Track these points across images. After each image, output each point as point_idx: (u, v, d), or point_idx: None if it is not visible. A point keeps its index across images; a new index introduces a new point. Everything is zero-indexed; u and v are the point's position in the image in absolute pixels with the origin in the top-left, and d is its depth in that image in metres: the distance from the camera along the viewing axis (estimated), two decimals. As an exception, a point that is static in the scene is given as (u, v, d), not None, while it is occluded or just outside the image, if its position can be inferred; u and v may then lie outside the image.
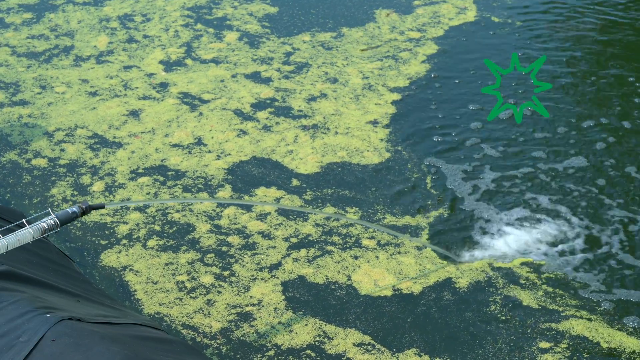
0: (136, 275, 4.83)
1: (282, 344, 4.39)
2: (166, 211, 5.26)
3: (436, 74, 6.29)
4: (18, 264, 3.43)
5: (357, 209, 5.23)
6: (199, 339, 4.41)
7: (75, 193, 5.43)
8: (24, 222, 3.25)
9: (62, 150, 5.81)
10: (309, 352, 4.34)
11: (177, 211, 5.25)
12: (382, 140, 5.83)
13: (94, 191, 5.44)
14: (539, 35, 7.10)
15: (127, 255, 4.97)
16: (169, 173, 5.55)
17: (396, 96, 6.29)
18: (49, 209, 3.39)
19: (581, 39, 7.01)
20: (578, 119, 6.02)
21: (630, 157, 5.61)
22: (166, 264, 4.90)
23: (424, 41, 6.98)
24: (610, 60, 6.69)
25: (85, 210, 3.37)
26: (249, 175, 5.51)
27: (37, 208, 5.28)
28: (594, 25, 7.16)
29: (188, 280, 4.78)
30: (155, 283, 4.78)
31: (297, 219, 5.17)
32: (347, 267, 4.82)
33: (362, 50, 6.73)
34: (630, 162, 5.56)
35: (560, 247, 4.92)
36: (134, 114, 6.14)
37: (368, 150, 5.72)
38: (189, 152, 5.73)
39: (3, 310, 3.10)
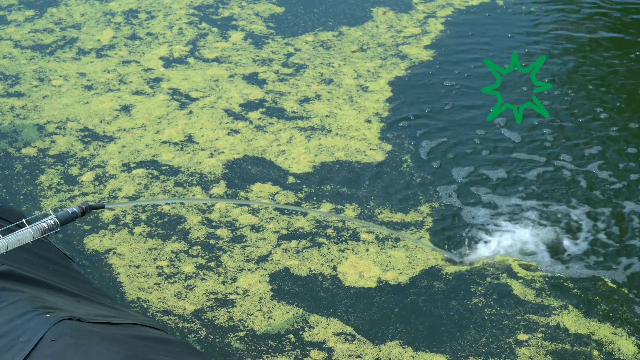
0: (120, 258, 4.69)
1: (259, 330, 4.26)
2: (157, 204, 5.06)
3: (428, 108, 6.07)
4: (18, 264, 3.28)
5: (355, 205, 5.06)
6: (180, 324, 4.28)
7: (62, 182, 5.25)
8: (24, 222, 3.09)
9: (53, 142, 5.59)
10: (290, 337, 4.22)
11: (167, 204, 5.06)
12: (377, 137, 5.64)
13: (82, 181, 5.24)
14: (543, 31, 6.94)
15: (111, 239, 4.83)
16: (163, 168, 5.35)
17: (392, 94, 6.09)
18: (49, 209, 3.21)
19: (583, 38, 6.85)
20: (577, 118, 5.86)
21: (628, 157, 5.46)
22: (149, 249, 4.76)
23: (420, 38, 6.76)
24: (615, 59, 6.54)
25: (86, 211, 3.21)
26: (244, 171, 5.32)
27: (27, 198, 5.11)
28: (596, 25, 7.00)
29: (174, 267, 4.63)
30: (138, 267, 4.64)
31: (292, 213, 5.00)
32: (335, 259, 4.68)
33: (353, 51, 6.52)
34: (628, 162, 5.41)
35: (552, 244, 4.79)
36: (126, 109, 5.91)
37: (370, 148, 5.52)
38: (181, 149, 5.53)
39: (3, 310, 2.99)
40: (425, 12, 7.13)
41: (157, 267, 4.64)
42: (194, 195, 5.14)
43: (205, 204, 5.07)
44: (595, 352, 4.12)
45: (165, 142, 5.60)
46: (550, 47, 6.70)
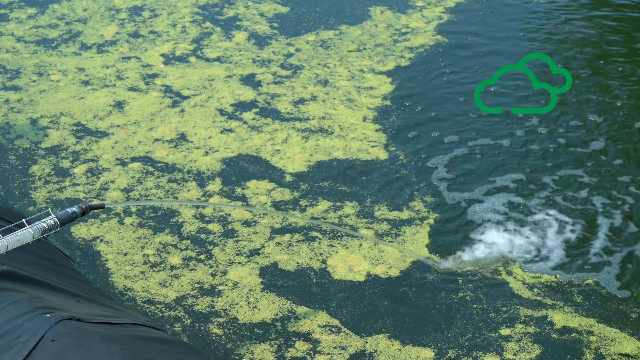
0: (108, 245, 4.59)
1: (244, 319, 4.16)
2: (149, 198, 4.91)
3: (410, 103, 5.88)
4: (18, 264, 3.15)
5: (354, 203, 4.91)
6: (166, 313, 4.19)
7: (53, 173, 5.12)
8: (24, 222, 2.96)
9: (46, 135, 5.43)
10: (276, 327, 4.13)
11: (159, 198, 4.91)
12: (374, 136, 5.46)
13: (74, 173, 5.11)
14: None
15: (99, 227, 4.71)
16: (158, 165, 5.19)
17: (390, 91, 5.90)
18: (49, 209, 3.08)
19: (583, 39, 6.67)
20: (574, 123, 5.67)
21: (621, 159, 5.30)
22: (138, 238, 4.65)
23: (417, 36, 6.58)
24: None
25: (85, 210, 3.09)
26: (241, 169, 5.16)
27: (21, 193, 4.97)
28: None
29: (160, 256, 4.52)
30: (125, 254, 4.54)
31: (288, 209, 4.86)
32: (325, 253, 4.55)
33: (350, 51, 6.33)
34: (620, 164, 5.25)
35: (544, 244, 4.66)
36: (120, 105, 5.73)
37: (368, 146, 5.35)
38: (175, 146, 5.36)
39: (3, 310, 2.87)
40: (424, 8, 6.94)
41: (144, 255, 4.53)
42: (188, 190, 5.00)
43: (198, 199, 4.93)
44: (584, 349, 4.04)
45: (158, 140, 5.43)
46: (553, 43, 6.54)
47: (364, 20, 6.80)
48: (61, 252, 3.83)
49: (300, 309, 4.22)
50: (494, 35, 6.60)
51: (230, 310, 4.21)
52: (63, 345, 2.72)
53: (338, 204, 4.91)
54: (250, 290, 4.32)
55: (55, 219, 2.99)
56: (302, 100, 5.81)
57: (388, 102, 5.80)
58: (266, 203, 4.90)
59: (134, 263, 4.47)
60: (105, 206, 3.25)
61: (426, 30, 6.62)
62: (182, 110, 5.69)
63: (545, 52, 6.36)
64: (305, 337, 4.07)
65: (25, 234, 2.93)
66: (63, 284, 3.21)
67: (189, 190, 4.98)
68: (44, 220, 3.01)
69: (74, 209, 3.09)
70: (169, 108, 5.72)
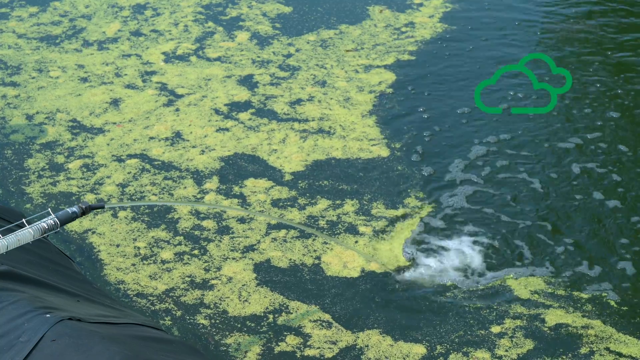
0: (100, 237, 4.53)
1: (235, 313, 4.11)
2: (144, 194, 4.83)
3: (391, 90, 5.80)
4: (18, 264, 3.09)
5: (354, 201, 4.84)
6: (157, 305, 4.14)
7: (47, 167, 5.04)
8: (24, 222, 2.90)
9: (42, 131, 5.34)
10: (268, 322, 4.07)
11: (154, 194, 4.83)
12: (372, 134, 5.37)
13: (69, 168, 5.03)
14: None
15: (91, 221, 4.64)
16: (155, 162, 5.11)
17: (388, 90, 5.81)
18: (49, 209, 3.01)
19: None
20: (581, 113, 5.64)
21: (600, 168, 5.20)
22: (130, 231, 4.59)
23: (415, 34, 6.48)
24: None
25: (85, 211, 3.03)
26: (239, 168, 5.08)
27: (15, 186, 4.90)
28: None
29: (156, 251, 4.47)
30: (117, 245, 4.49)
31: (285, 207, 4.79)
32: (322, 250, 4.50)
33: (347, 51, 6.25)
34: (599, 171, 5.17)
35: (539, 244, 4.59)
36: (116, 102, 5.64)
37: (365, 145, 5.27)
38: (171, 144, 5.28)
39: (3, 310, 2.82)
40: (422, 6, 6.85)
41: (138, 248, 4.47)
42: (185, 188, 4.92)
43: (195, 197, 4.85)
44: (577, 346, 4.00)
45: (153, 138, 5.35)
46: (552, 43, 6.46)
47: (364, 19, 6.73)
48: (61, 252, 3.77)
49: (293, 304, 4.17)
50: (495, 29, 6.56)
51: (220, 304, 4.15)
52: (63, 345, 2.67)
53: (338, 202, 4.85)
54: (243, 285, 4.26)
55: (55, 219, 2.93)
56: (299, 101, 5.74)
57: (386, 97, 5.74)
58: (265, 201, 4.84)
59: (125, 255, 4.41)
60: (106, 207, 3.18)
61: (426, 26, 6.57)
62: (177, 109, 5.61)
63: (549, 44, 6.30)
64: (296, 331, 4.02)
65: (25, 234, 2.87)
66: (63, 284, 3.15)
67: (185, 188, 4.90)
68: (44, 220, 2.95)
69: (74, 209, 3.03)
70: (164, 106, 5.64)
